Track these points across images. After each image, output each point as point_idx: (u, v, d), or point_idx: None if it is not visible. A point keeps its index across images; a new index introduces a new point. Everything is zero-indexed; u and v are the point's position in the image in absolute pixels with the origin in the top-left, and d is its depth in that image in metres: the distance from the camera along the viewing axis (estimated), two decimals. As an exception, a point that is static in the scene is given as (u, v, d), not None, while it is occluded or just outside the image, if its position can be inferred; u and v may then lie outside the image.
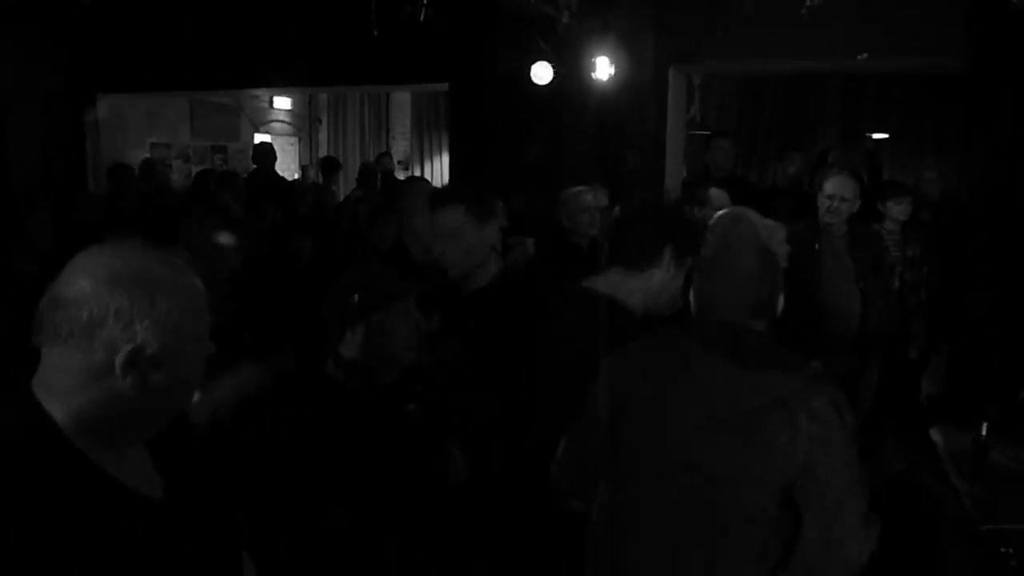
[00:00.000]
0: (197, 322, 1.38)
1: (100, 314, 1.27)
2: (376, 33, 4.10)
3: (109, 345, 1.28)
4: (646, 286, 2.61)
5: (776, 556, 1.93)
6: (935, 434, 3.86)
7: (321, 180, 9.66)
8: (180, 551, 1.40)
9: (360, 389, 2.22)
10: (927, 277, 5.42)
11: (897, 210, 5.45)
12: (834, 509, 1.86)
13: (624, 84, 6.23)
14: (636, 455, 2.10)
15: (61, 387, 1.31)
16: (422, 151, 13.21)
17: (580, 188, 4.79)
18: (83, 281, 1.28)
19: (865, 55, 5.77)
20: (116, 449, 1.36)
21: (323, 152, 12.91)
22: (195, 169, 10.45)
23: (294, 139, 13.17)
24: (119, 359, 1.28)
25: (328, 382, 2.23)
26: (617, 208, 5.18)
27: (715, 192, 5.00)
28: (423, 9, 4.19)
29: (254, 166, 8.89)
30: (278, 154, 9.65)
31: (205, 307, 1.41)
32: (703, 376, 2.01)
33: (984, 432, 3.37)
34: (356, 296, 2.21)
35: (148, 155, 9.98)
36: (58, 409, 1.31)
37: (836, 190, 4.66)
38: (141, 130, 10.35)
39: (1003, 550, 2.80)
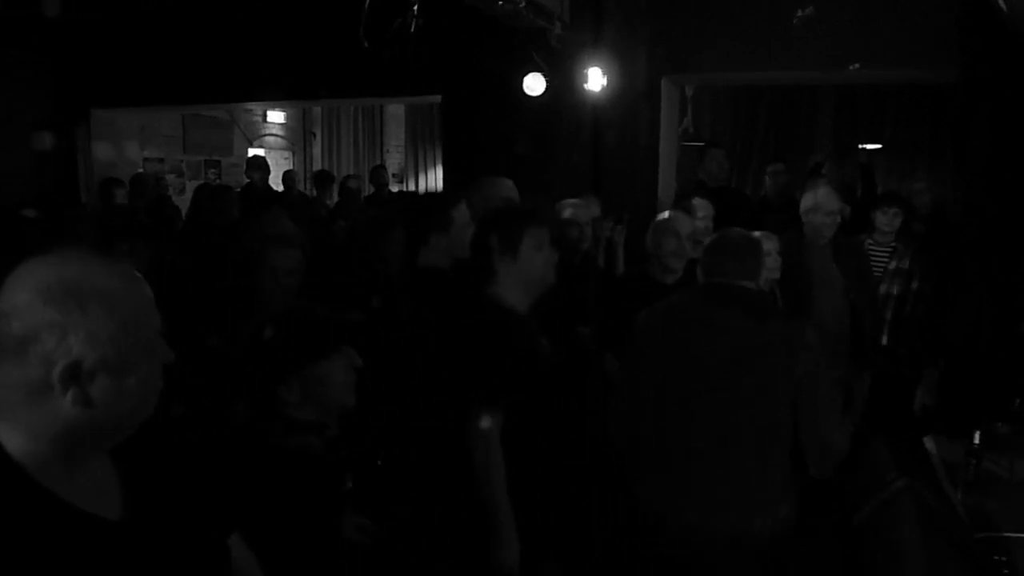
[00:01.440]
0: (140, 331, 1.32)
1: (33, 328, 1.22)
2: (366, 44, 4.08)
3: (45, 360, 1.23)
4: (509, 291, 2.95)
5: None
6: (928, 443, 3.87)
7: (315, 193, 9.66)
8: (134, 572, 1.34)
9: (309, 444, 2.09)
10: (916, 292, 5.39)
11: (882, 220, 5.44)
12: (820, 411, 2.83)
13: (617, 95, 6.23)
14: (672, 389, 2.91)
15: (5, 405, 1.26)
16: (416, 164, 13.22)
17: (567, 201, 4.71)
18: (19, 294, 1.24)
19: (857, 66, 5.77)
20: (72, 466, 1.31)
21: (317, 166, 12.91)
22: (188, 183, 10.46)
23: (288, 153, 13.18)
24: (56, 374, 1.23)
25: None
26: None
27: (699, 202, 5.02)
28: (414, 20, 4.19)
29: (247, 180, 8.88)
30: (272, 168, 9.66)
31: (151, 315, 1.35)
32: (725, 324, 2.88)
33: (977, 442, 3.37)
34: (288, 348, 2.07)
35: (141, 170, 9.97)
36: (4, 428, 1.27)
37: (823, 204, 4.68)
38: (134, 145, 10.34)
39: (996, 558, 2.80)
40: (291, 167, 12.81)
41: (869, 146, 9.24)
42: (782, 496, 2.86)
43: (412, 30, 4.23)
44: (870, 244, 5.46)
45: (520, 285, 2.96)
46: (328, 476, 2.14)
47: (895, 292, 5.34)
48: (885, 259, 5.39)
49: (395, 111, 13.52)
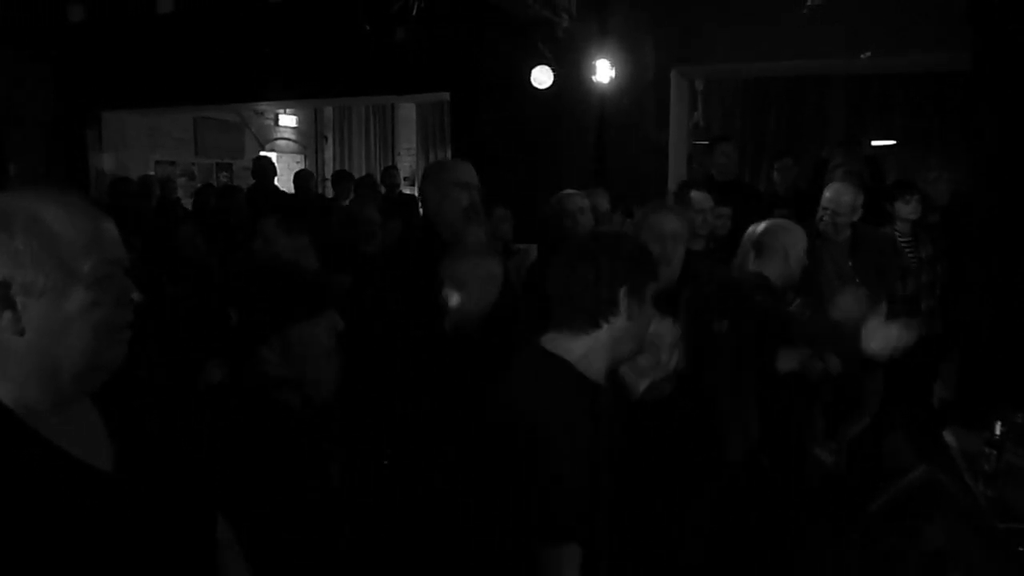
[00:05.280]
0: (77, 258, 1.28)
1: None
2: (367, 27, 4.04)
3: None
4: (597, 346, 1.99)
5: None
6: (948, 436, 3.80)
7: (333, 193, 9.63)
8: (128, 526, 1.32)
9: (287, 400, 2.02)
10: (941, 278, 5.32)
11: (905, 210, 5.36)
12: None
13: (625, 87, 6.18)
14: None
15: None
16: (428, 167, 13.20)
17: (570, 191, 4.63)
18: None
19: (868, 53, 5.69)
20: (57, 409, 1.29)
21: (329, 169, 12.91)
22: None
23: (300, 156, 13.18)
24: None
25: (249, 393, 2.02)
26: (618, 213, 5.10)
27: (696, 195, 4.92)
28: (415, 4, 4.14)
29: (254, 181, 8.88)
30: (285, 171, 9.64)
31: (99, 245, 1.31)
32: None
33: (997, 433, 3.30)
34: (267, 310, 2.01)
35: (152, 172, 9.98)
36: None
37: (836, 197, 4.61)
38: (144, 148, 10.35)
39: (1020, 549, 2.73)
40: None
41: (882, 142, 9.14)
42: None
43: (414, 13, 4.18)
44: (899, 235, 5.38)
45: (609, 350, 2.01)
46: (308, 430, 2.05)
47: (923, 281, 5.28)
48: (911, 248, 5.33)
49: (406, 114, 13.51)
